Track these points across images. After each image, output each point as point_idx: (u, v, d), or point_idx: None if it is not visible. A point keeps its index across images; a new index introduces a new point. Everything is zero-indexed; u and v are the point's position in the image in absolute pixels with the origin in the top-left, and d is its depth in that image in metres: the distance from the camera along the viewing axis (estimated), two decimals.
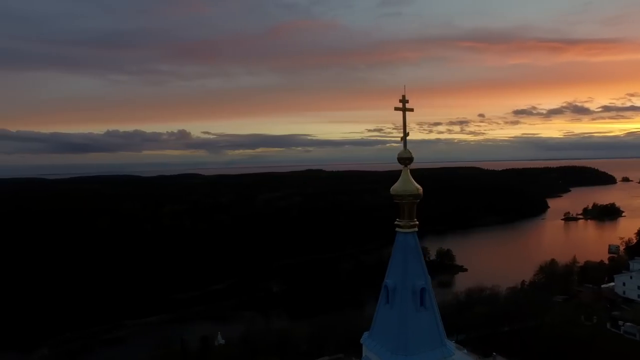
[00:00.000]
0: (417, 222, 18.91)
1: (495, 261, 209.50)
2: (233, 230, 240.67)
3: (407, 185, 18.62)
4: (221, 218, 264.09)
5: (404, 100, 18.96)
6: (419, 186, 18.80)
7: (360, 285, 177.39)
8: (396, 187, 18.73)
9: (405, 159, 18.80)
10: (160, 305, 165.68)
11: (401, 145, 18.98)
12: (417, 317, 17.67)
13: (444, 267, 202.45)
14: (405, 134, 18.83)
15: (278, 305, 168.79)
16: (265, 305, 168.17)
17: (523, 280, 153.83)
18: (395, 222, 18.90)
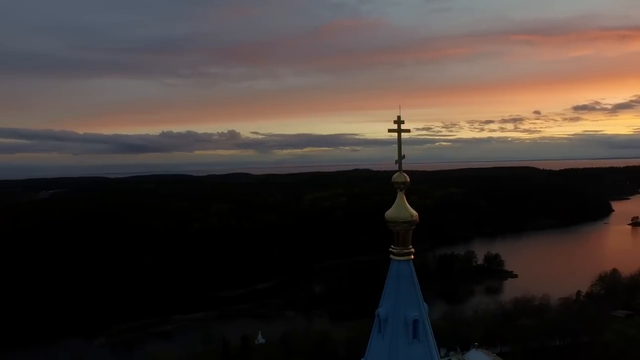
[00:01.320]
0: (413, 250, 17.98)
1: (548, 268, 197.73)
2: (279, 230, 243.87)
3: (401, 211, 17.75)
4: (268, 218, 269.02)
5: (399, 121, 18.08)
6: (414, 212, 17.88)
7: None
8: (389, 213, 17.94)
9: (400, 184, 17.91)
10: (206, 302, 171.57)
11: (397, 167, 18.04)
12: (408, 350, 16.81)
13: (491, 273, 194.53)
14: (401, 157, 17.93)
15: (319, 306, 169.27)
16: (307, 306, 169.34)
17: (578, 291, 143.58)
18: (389, 249, 18.10)
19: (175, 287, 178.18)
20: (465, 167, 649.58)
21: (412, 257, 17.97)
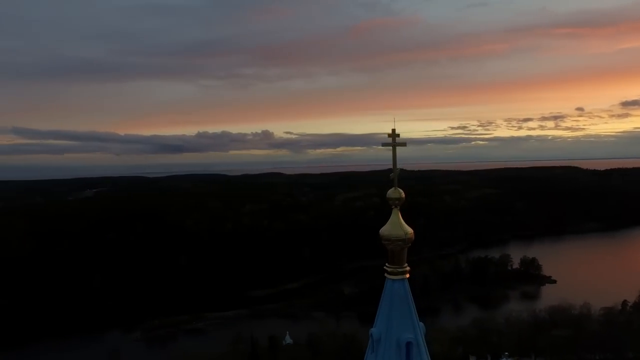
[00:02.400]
0: (408, 268, 17.29)
1: (590, 274, 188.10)
2: (310, 230, 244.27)
3: (394, 228, 17.09)
4: (299, 218, 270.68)
5: (393, 135, 17.41)
6: (408, 230, 17.17)
7: (433, 291, 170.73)
8: (383, 230, 17.31)
9: (394, 200, 17.26)
10: (237, 301, 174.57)
11: (394, 182, 17.41)
12: None
13: (528, 277, 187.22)
14: (396, 172, 17.28)
15: (349, 308, 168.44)
16: (336, 307, 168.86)
17: (625, 301, 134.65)
18: (384, 267, 17.48)
19: (207, 286, 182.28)
20: (502, 166, 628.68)
21: (407, 275, 17.30)
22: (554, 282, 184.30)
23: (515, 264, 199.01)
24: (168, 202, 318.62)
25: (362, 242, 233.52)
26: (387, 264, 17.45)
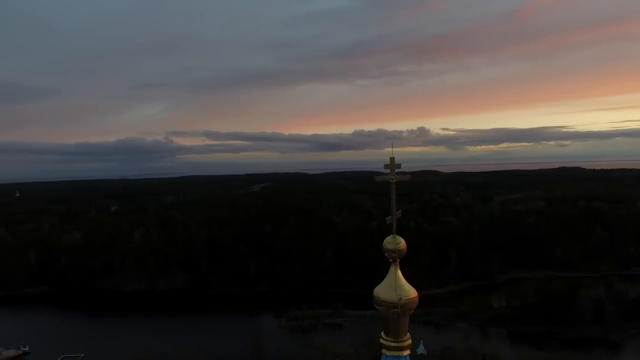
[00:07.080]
0: (408, 342, 12.97)
1: None
2: (460, 233, 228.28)
3: (388, 291, 12.94)
4: (449, 220, 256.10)
5: (392, 164, 13.18)
6: (407, 294, 12.86)
7: (610, 318, 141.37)
8: (375, 291, 13.33)
9: (390, 252, 13.08)
10: None
11: (392, 227, 13.26)
12: None
13: None
14: (395, 214, 13.09)
15: (497, 323, 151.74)
16: (482, 320, 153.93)
17: None
18: (380, 337, 13.48)
19: (349, 282, 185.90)
20: None
21: (408, 352, 12.98)
22: None
23: None
24: (321, 198, 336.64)
25: (518, 251, 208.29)
26: (382, 334, 13.44)
